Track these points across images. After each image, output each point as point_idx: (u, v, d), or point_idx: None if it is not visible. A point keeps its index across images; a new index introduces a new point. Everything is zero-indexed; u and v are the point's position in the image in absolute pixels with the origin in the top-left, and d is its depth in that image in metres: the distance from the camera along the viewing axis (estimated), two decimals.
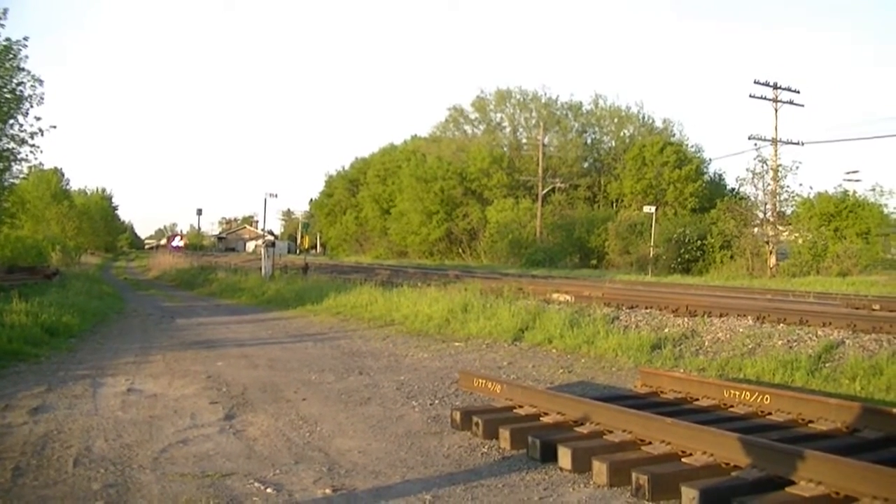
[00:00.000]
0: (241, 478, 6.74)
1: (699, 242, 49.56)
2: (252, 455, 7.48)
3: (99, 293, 28.74)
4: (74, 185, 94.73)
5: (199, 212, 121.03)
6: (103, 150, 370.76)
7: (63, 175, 78.11)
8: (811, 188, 49.78)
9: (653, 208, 51.44)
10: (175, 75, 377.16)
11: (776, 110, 47.78)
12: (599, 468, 6.58)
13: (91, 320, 19.67)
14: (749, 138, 47.41)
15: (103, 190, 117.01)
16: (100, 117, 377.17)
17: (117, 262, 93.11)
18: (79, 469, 6.93)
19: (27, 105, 29.26)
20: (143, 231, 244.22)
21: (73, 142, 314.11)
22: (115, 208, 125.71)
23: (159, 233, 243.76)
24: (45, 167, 52.93)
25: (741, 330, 14.05)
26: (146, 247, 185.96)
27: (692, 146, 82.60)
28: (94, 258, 78.05)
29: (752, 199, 48.62)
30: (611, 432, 7.44)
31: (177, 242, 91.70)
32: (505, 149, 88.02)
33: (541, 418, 8.23)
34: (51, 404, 9.70)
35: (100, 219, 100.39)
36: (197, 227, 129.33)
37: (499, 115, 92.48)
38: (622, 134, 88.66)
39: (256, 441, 8.02)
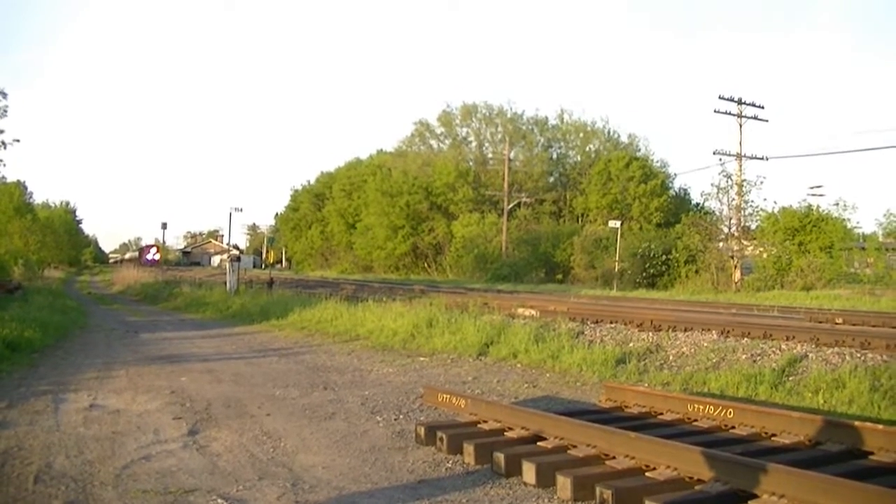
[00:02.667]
0: (203, 494, 6.70)
1: (664, 257, 49.73)
2: (215, 471, 7.43)
3: (62, 308, 28.50)
4: (37, 199, 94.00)
5: (164, 226, 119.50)
6: (67, 164, 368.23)
7: (26, 188, 77.35)
8: (775, 203, 49.96)
9: (618, 223, 51.67)
10: (139, 89, 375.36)
11: (741, 125, 48.16)
12: (563, 483, 6.58)
13: (54, 335, 19.47)
14: (714, 153, 47.77)
15: (67, 203, 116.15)
16: (63, 130, 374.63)
17: (81, 277, 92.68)
18: (39, 486, 6.86)
19: None
20: (108, 245, 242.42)
21: (37, 155, 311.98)
22: (78, 222, 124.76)
23: (123, 247, 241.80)
24: (8, 180, 52.41)
25: (705, 344, 14.10)
26: (110, 261, 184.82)
27: (657, 161, 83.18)
28: (57, 272, 77.51)
29: (717, 213, 48.93)
30: (575, 447, 7.45)
31: (152, 255, 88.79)
32: (471, 163, 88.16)
33: (505, 433, 8.23)
34: (11, 420, 9.61)
35: (63, 233, 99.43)
36: (162, 242, 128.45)
37: (464, 129, 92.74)
38: (588, 149, 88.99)
39: (220, 457, 7.98)
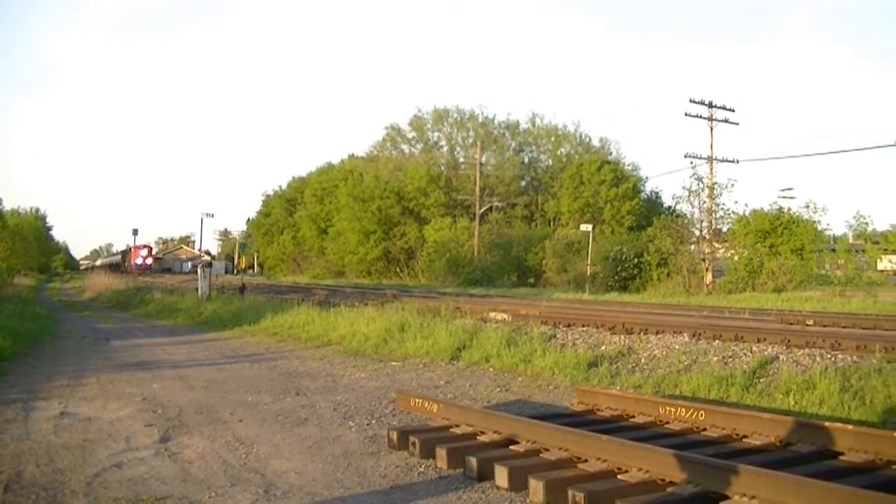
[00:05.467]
0: (175, 501, 6.67)
1: (636, 260, 49.82)
2: (187, 478, 7.40)
3: (32, 315, 28.33)
4: (7, 206, 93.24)
5: (135, 232, 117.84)
6: (37, 170, 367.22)
7: None
8: (746, 205, 50.07)
9: (590, 226, 51.55)
10: (109, 96, 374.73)
11: (712, 129, 48.36)
12: (536, 486, 6.58)
13: (24, 343, 19.33)
14: (685, 156, 47.97)
15: (37, 210, 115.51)
16: (32, 136, 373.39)
17: (51, 284, 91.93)
18: (9, 496, 6.81)
19: None
20: (78, 252, 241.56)
21: (5, 161, 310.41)
22: (49, 229, 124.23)
23: (94, 253, 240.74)
24: None
25: (677, 347, 14.14)
26: (81, 267, 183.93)
27: (629, 164, 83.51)
28: (27, 279, 76.94)
29: (689, 216, 49.17)
30: (547, 450, 7.47)
31: (143, 258, 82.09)
32: (442, 168, 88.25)
33: (477, 437, 8.23)
34: None
35: (33, 239, 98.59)
36: (132, 248, 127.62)
37: (436, 134, 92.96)
38: (559, 153, 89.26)
39: (192, 463, 7.94)
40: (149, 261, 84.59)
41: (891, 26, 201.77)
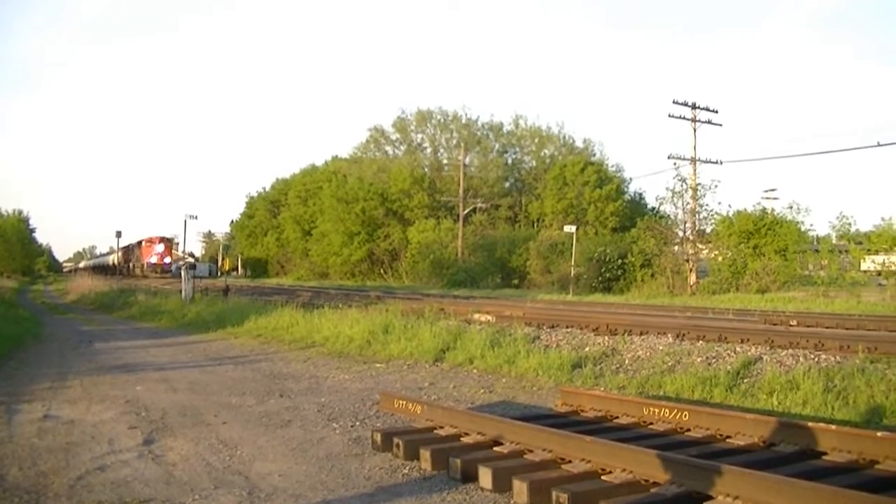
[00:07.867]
0: None
1: (620, 261, 49.90)
2: (171, 480, 7.38)
3: (15, 317, 28.28)
4: None
5: (119, 234, 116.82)
6: (20, 172, 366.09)
7: None
8: (730, 206, 50.02)
9: (574, 228, 51.56)
10: (91, 96, 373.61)
11: (695, 130, 48.30)
12: (520, 487, 6.57)
13: (6, 345, 19.25)
14: (668, 157, 47.91)
15: (19, 212, 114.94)
16: (15, 138, 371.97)
17: (35, 286, 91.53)
18: None
19: None
20: (62, 254, 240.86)
21: None
22: (32, 231, 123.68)
23: (77, 255, 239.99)
24: None
25: (661, 348, 14.16)
26: (64, 270, 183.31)
27: (613, 166, 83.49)
28: (10, 282, 76.68)
29: (672, 217, 49.09)
30: (531, 451, 7.46)
31: (158, 255, 70.25)
32: (426, 169, 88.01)
33: (461, 438, 8.23)
34: None
35: (16, 241, 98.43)
36: (116, 249, 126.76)
37: (419, 135, 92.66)
38: (543, 154, 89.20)
39: (176, 466, 7.92)
40: (167, 259, 77.79)
41: (879, 25, 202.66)
